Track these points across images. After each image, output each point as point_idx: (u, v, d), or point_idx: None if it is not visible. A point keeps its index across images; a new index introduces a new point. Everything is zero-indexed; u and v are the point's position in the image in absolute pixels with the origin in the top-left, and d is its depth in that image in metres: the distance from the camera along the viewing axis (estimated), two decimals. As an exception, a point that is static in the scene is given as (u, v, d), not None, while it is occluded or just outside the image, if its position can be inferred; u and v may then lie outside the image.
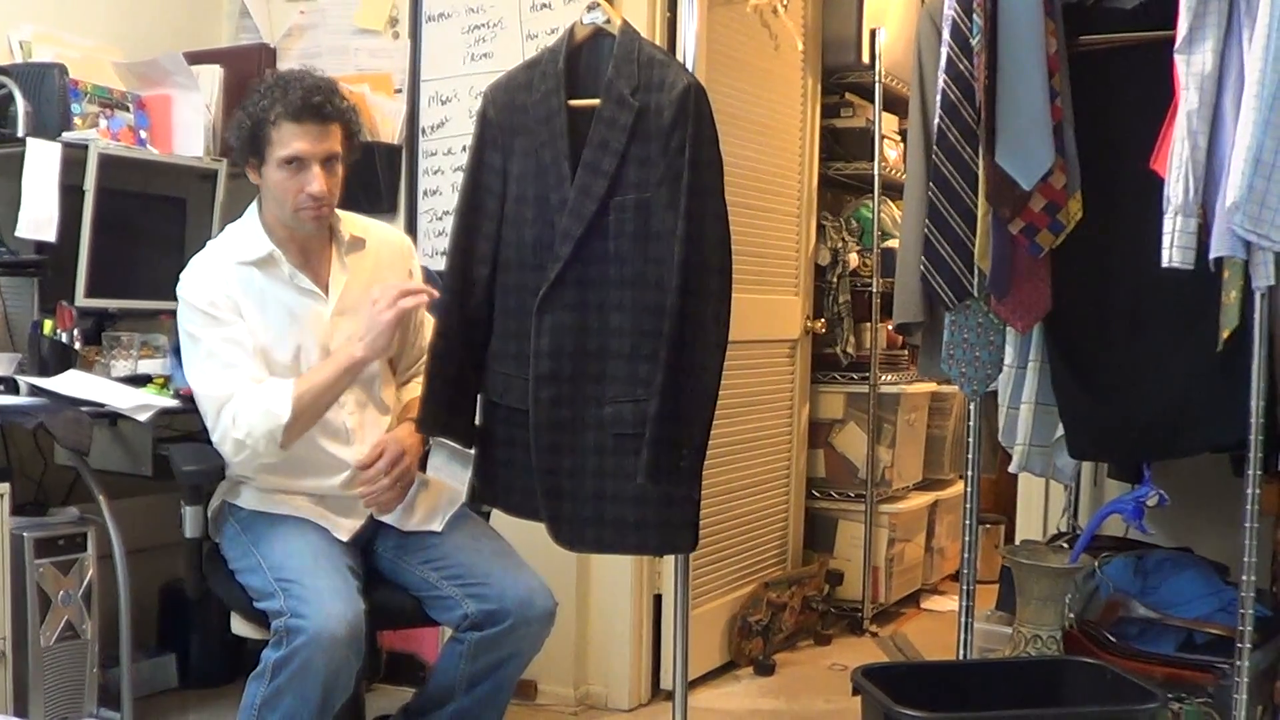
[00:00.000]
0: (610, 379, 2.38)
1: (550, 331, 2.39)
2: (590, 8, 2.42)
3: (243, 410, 2.34)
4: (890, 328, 4.24)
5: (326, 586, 2.25)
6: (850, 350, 4.37)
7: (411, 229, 3.57)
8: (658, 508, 2.39)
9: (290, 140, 2.36)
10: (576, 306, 2.39)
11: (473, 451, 2.67)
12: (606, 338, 2.38)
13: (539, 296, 2.40)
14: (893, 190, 4.36)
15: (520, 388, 2.45)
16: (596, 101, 2.37)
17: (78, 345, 2.95)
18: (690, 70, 2.50)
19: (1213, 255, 2.20)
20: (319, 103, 2.38)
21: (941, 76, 2.46)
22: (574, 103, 2.39)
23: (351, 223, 2.56)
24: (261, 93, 2.39)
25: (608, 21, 2.41)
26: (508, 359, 2.49)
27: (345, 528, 2.48)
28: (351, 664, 2.25)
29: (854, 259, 4.35)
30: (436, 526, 2.51)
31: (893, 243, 4.14)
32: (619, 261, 2.36)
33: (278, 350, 2.44)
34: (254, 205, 2.52)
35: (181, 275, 2.46)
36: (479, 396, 2.57)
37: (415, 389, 2.67)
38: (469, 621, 2.38)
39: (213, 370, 2.39)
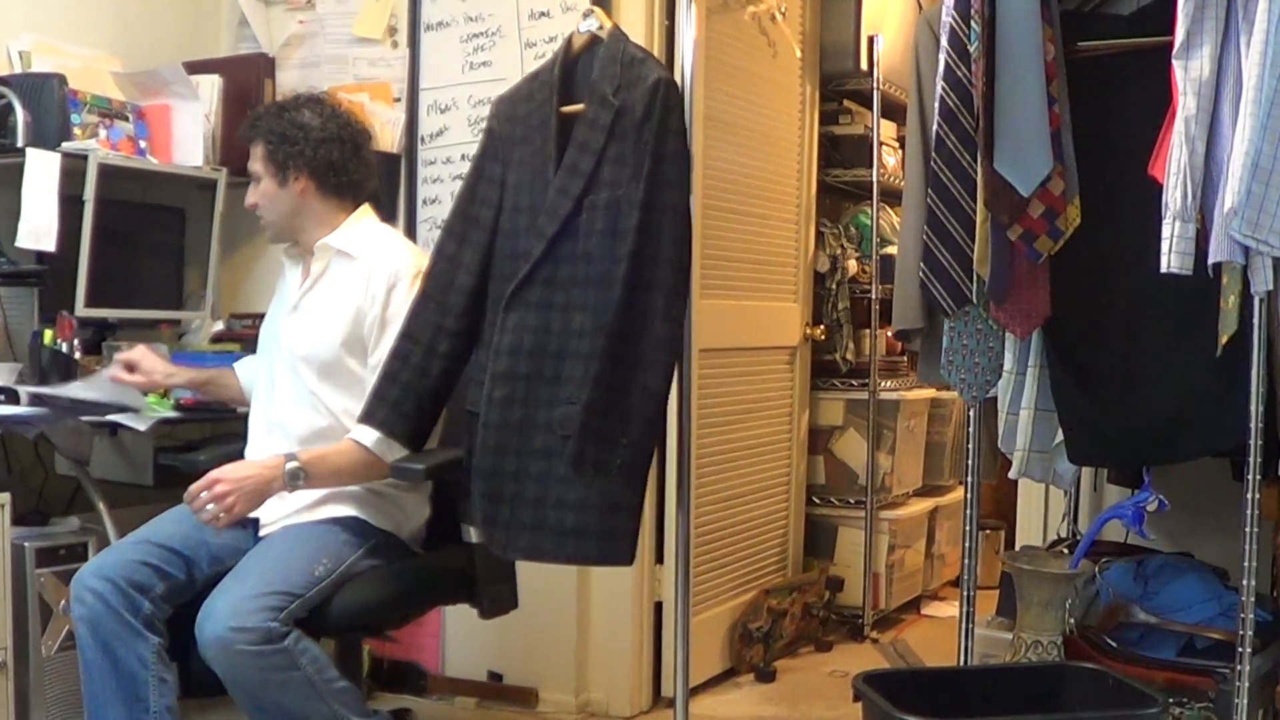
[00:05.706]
0: (566, 380, 2.31)
1: (514, 330, 2.36)
2: (585, 15, 2.42)
3: None
4: (889, 334, 4.25)
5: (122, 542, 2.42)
6: (850, 357, 4.37)
7: (410, 238, 3.57)
8: (600, 514, 2.30)
9: None
10: (542, 306, 2.35)
11: None
12: (567, 339, 2.32)
13: (506, 294, 2.36)
14: (891, 197, 4.36)
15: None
16: (582, 106, 2.37)
17: (78, 355, 2.95)
18: (664, 65, 2.48)
19: (1211, 261, 2.20)
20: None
21: (939, 83, 2.46)
22: (565, 109, 2.39)
23: (347, 238, 2.59)
24: None
25: (600, 28, 2.41)
26: (483, 368, 2.43)
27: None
28: (109, 606, 2.33)
29: (853, 265, 4.36)
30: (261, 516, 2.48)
31: (891, 249, 4.14)
32: (587, 261, 2.31)
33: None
34: None
35: None
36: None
37: None
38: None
39: None
